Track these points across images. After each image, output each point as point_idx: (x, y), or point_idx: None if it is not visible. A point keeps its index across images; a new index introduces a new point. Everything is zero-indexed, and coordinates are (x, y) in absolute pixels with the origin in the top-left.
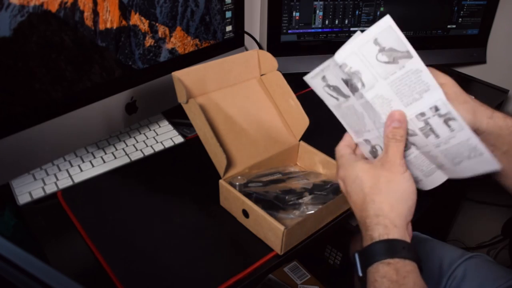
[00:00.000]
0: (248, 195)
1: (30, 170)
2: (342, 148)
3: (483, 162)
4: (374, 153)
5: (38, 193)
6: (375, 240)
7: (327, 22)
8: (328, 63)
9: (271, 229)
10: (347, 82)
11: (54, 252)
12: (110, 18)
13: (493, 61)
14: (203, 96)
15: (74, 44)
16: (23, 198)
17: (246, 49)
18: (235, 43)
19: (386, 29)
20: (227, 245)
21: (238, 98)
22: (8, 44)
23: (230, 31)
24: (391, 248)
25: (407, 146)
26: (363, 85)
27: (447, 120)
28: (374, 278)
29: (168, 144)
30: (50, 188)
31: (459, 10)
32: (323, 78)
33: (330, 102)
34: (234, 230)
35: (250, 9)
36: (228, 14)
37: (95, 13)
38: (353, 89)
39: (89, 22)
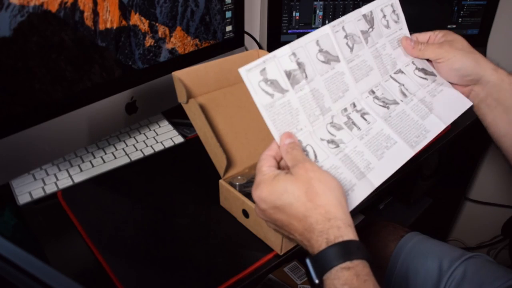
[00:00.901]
0: (248, 195)
1: (30, 170)
2: (266, 157)
3: (399, 152)
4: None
5: (38, 193)
6: (330, 243)
7: (327, 22)
8: (274, 53)
9: (271, 229)
10: (289, 75)
11: (54, 252)
12: (110, 18)
13: (493, 61)
14: (203, 96)
15: (74, 44)
16: (23, 198)
17: (246, 49)
18: (235, 43)
19: (325, 35)
20: (227, 245)
21: (238, 98)
22: (8, 44)
23: (230, 31)
24: (347, 250)
25: (335, 143)
26: (306, 76)
27: (362, 114)
28: (335, 287)
29: (168, 144)
30: (50, 188)
31: (459, 10)
32: (263, 71)
33: (263, 100)
34: (234, 230)
35: (250, 9)
36: (228, 14)
37: (95, 13)
38: (294, 81)
39: (89, 22)
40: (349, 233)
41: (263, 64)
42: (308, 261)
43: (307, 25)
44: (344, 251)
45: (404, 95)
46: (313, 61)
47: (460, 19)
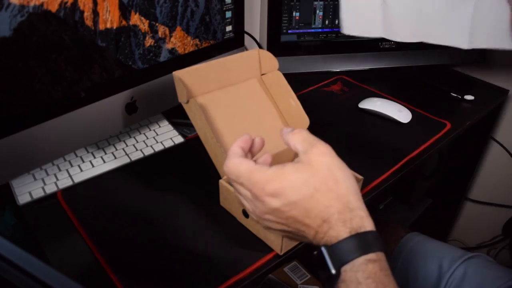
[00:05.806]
0: None
1: (30, 170)
2: (236, 154)
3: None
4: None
5: (38, 193)
6: (354, 233)
7: (327, 22)
8: None
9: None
10: None
11: (54, 252)
12: (110, 18)
13: (493, 61)
14: (203, 96)
15: (74, 44)
16: (23, 198)
17: (246, 49)
18: (235, 43)
19: None
20: (227, 245)
21: (239, 98)
22: (8, 44)
23: (230, 31)
24: (368, 241)
25: None
26: None
27: None
28: (357, 280)
29: (168, 144)
30: (50, 188)
31: None
32: None
33: None
34: (234, 230)
35: (250, 9)
36: (228, 14)
37: (95, 13)
38: None
39: (89, 22)
40: (370, 223)
41: None
42: (324, 251)
43: (307, 25)
44: (365, 242)
45: None
46: None
47: None
